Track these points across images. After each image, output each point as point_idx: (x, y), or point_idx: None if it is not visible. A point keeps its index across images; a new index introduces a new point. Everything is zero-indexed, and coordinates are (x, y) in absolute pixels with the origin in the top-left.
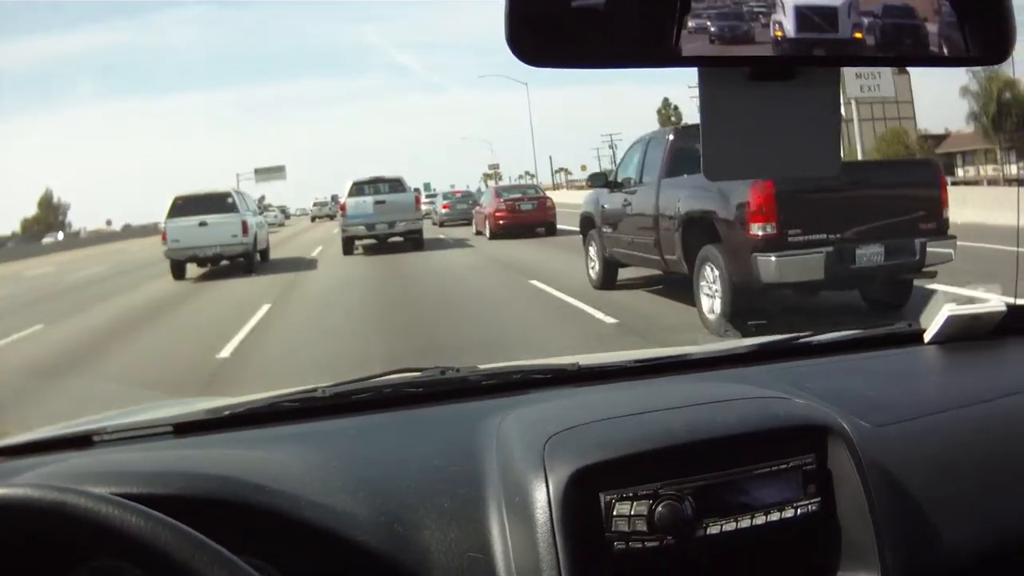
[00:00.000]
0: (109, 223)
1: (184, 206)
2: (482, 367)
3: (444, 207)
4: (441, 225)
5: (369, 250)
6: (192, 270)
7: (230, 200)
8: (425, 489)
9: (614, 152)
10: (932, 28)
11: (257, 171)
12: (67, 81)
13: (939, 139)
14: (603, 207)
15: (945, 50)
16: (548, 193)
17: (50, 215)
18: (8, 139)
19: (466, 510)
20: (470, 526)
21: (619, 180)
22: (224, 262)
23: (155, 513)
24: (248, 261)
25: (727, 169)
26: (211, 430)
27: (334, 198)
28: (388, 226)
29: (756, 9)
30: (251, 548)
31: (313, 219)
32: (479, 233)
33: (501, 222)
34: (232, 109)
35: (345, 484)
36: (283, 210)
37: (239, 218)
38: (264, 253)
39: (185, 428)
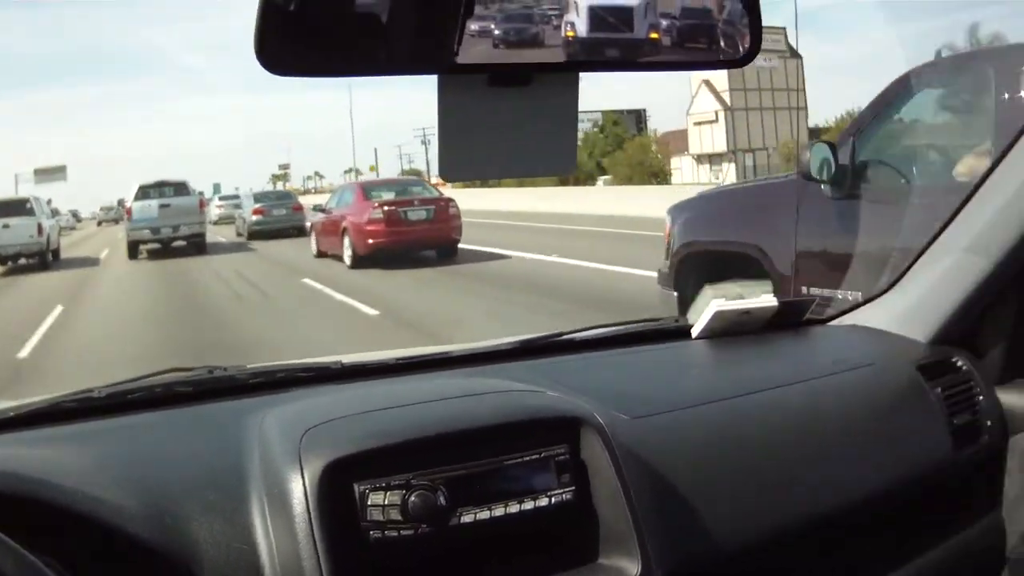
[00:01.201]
0: None
1: None
2: (249, 366)
3: (256, 212)
4: (250, 237)
5: (154, 254)
6: None
7: (29, 205)
8: (191, 483)
9: (427, 148)
10: (675, 32)
11: (37, 171)
12: None
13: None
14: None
15: (695, 55)
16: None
17: None
18: None
19: (230, 503)
20: (235, 519)
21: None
22: (22, 260)
23: None
24: (42, 260)
25: (463, 170)
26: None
27: (120, 202)
28: (172, 230)
29: (485, 16)
30: (36, 544)
31: (99, 223)
32: (323, 254)
33: (375, 240)
34: (12, 112)
35: (117, 480)
36: (75, 214)
37: (36, 220)
38: (55, 253)
39: None
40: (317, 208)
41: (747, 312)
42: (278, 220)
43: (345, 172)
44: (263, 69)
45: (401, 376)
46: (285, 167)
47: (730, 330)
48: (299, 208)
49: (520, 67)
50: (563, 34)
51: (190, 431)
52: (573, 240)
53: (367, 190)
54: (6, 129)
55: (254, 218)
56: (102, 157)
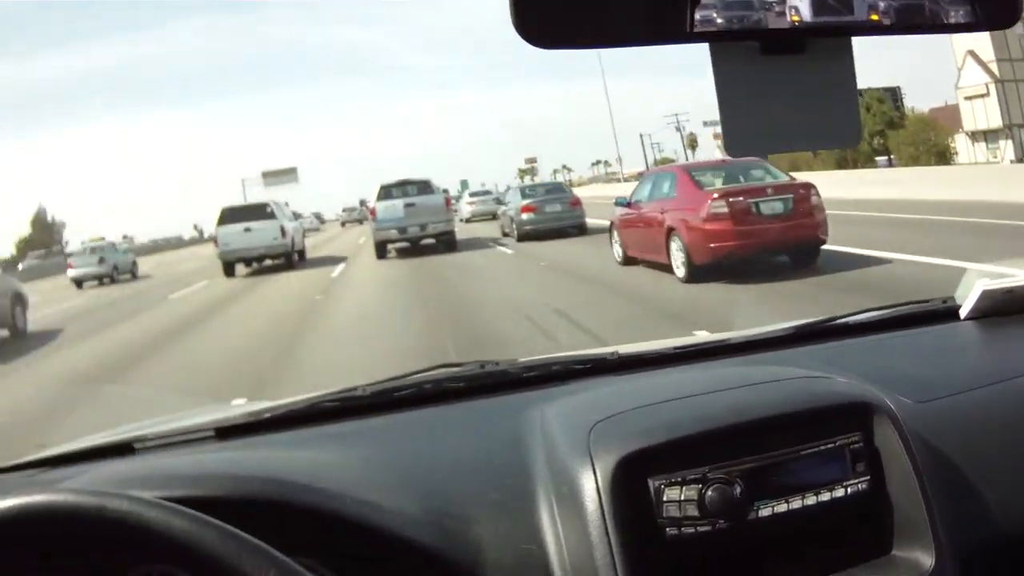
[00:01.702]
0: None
1: (230, 215)
2: (522, 360)
3: (527, 209)
4: (522, 239)
5: (402, 251)
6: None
7: (269, 209)
8: (472, 483)
9: (681, 133)
10: None
11: (265, 174)
12: (66, 97)
13: None
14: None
15: (956, 16)
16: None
17: (44, 234)
18: (4, 158)
19: (516, 502)
20: (521, 518)
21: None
22: (267, 261)
23: (201, 515)
24: (288, 260)
25: (749, 145)
26: (252, 433)
27: (362, 203)
28: (420, 228)
29: None
30: (300, 548)
31: (343, 224)
32: (632, 261)
33: (720, 244)
34: (239, 117)
35: (391, 481)
36: (318, 216)
37: (278, 223)
38: (301, 254)
39: (226, 432)
40: (620, 202)
41: (1010, 291)
42: (554, 217)
43: (592, 164)
44: (501, 62)
45: (677, 366)
46: (532, 161)
47: (999, 310)
48: (577, 203)
49: (793, 33)
50: None
51: (464, 428)
52: (943, 236)
53: (694, 176)
54: (236, 132)
55: (525, 216)
56: (336, 158)
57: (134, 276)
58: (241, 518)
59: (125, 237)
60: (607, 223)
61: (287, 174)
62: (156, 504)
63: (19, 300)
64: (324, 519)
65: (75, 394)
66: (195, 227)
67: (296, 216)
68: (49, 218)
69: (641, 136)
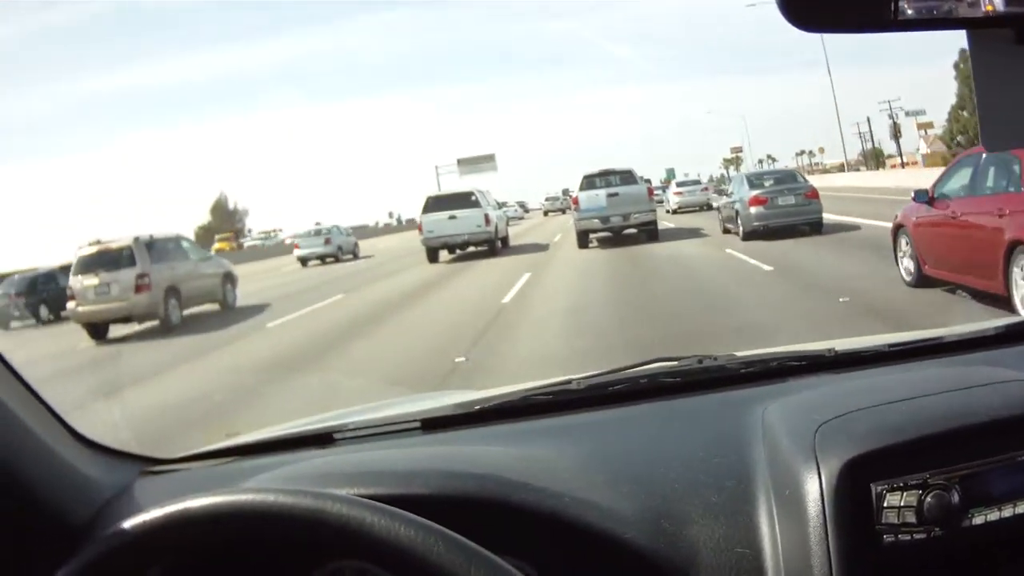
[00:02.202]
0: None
1: (435, 203)
2: (739, 355)
3: (756, 202)
4: (747, 237)
5: (603, 241)
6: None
7: (474, 197)
8: (691, 482)
9: (895, 123)
10: None
11: (461, 161)
12: (256, 88)
13: None
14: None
15: None
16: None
17: (225, 222)
18: (182, 146)
19: (734, 504)
20: (738, 520)
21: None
22: (471, 248)
23: (428, 523)
24: (491, 247)
25: (1007, 139)
26: (460, 425)
27: (565, 192)
28: (622, 218)
29: None
30: (510, 548)
31: (546, 213)
32: (929, 280)
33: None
34: (436, 109)
35: (608, 479)
36: (522, 205)
37: (482, 212)
38: (504, 241)
39: (433, 424)
40: (920, 197)
41: None
42: (787, 212)
43: (797, 154)
44: (790, 22)
45: (892, 364)
46: (737, 150)
47: None
48: (814, 195)
49: None
50: None
51: (681, 425)
52: None
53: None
54: (429, 121)
55: (754, 210)
56: (537, 147)
57: (355, 256)
58: (452, 517)
59: (317, 224)
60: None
61: (485, 161)
62: (379, 509)
63: (229, 279)
64: (542, 519)
65: (270, 377)
66: (390, 214)
67: (500, 204)
68: (231, 205)
69: (859, 124)
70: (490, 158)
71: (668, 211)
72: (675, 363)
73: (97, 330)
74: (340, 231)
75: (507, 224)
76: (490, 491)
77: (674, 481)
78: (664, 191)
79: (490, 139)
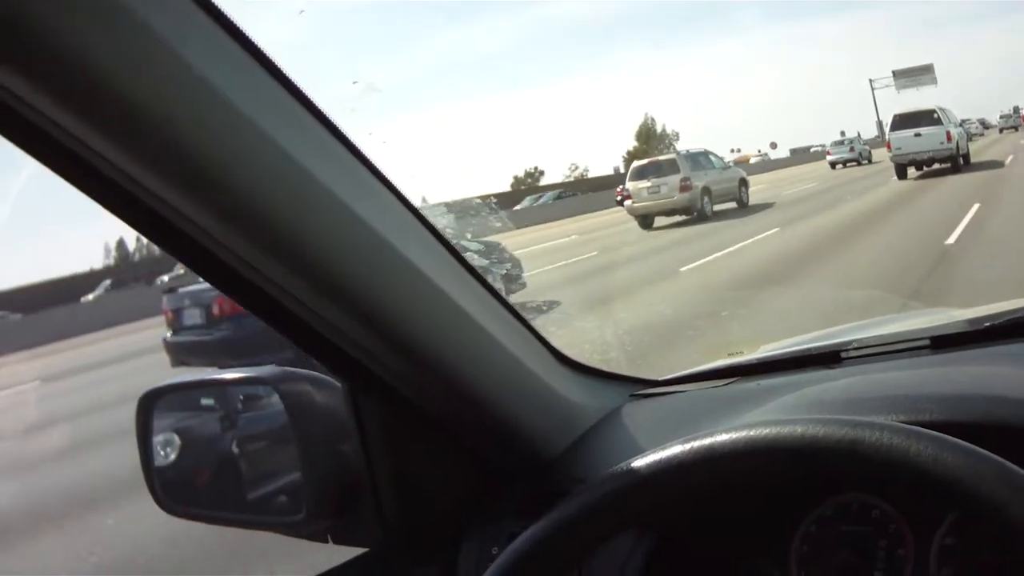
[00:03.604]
0: (774, 146)
1: (901, 121)
2: None
3: None
4: None
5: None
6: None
7: (936, 115)
8: None
9: None
10: None
11: (896, 73)
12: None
13: None
14: None
15: None
16: None
17: (652, 147)
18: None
19: None
20: None
21: None
22: (936, 164)
23: (976, 449)
24: (954, 164)
25: None
26: (970, 344)
27: (1016, 110)
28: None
29: None
30: None
31: (1001, 131)
32: None
33: None
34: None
35: None
36: (983, 122)
37: (944, 129)
38: (966, 158)
39: (943, 342)
40: None
41: None
42: None
43: None
44: None
45: None
46: None
47: None
48: None
49: None
50: None
51: None
52: None
53: None
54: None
55: None
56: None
57: (870, 162)
58: (986, 444)
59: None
60: None
61: (922, 73)
62: (926, 436)
63: (743, 183)
64: None
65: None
66: (842, 133)
67: (962, 122)
68: (659, 128)
69: None
70: (928, 69)
71: None
72: None
73: (646, 221)
74: (860, 139)
75: (968, 141)
76: (1003, 415)
77: None
78: None
79: (935, 51)
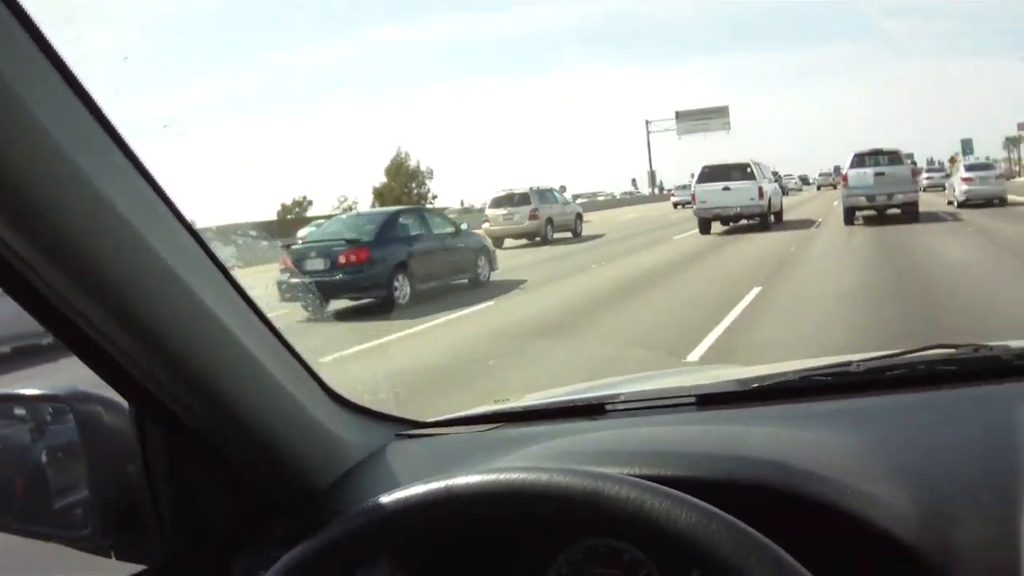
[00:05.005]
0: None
1: (710, 174)
2: (1013, 345)
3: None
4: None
5: (868, 220)
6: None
7: (748, 169)
8: (964, 480)
9: None
10: None
11: (680, 115)
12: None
13: None
14: None
15: None
16: None
17: (400, 184)
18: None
19: (1004, 508)
20: (1006, 526)
21: None
22: (743, 221)
23: (709, 507)
24: (763, 221)
25: None
26: (735, 403)
27: (836, 169)
28: (887, 197)
29: None
30: (779, 539)
31: (819, 187)
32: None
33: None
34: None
35: (887, 471)
36: (804, 179)
37: (756, 184)
38: (778, 215)
39: (708, 400)
40: None
41: None
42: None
43: None
44: None
45: None
46: None
47: None
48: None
49: None
50: None
51: (955, 417)
52: None
53: None
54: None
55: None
56: (809, 124)
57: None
58: (728, 503)
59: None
60: None
61: (712, 116)
62: (661, 492)
63: (579, 217)
64: (823, 510)
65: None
66: (633, 182)
67: (777, 177)
68: (412, 163)
69: None
70: (721, 112)
71: (950, 202)
72: (951, 350)
73: (497, 243)
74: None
75: (781, 198)
76: (774, 478)
77: (946, 476)
78: (942, 174)
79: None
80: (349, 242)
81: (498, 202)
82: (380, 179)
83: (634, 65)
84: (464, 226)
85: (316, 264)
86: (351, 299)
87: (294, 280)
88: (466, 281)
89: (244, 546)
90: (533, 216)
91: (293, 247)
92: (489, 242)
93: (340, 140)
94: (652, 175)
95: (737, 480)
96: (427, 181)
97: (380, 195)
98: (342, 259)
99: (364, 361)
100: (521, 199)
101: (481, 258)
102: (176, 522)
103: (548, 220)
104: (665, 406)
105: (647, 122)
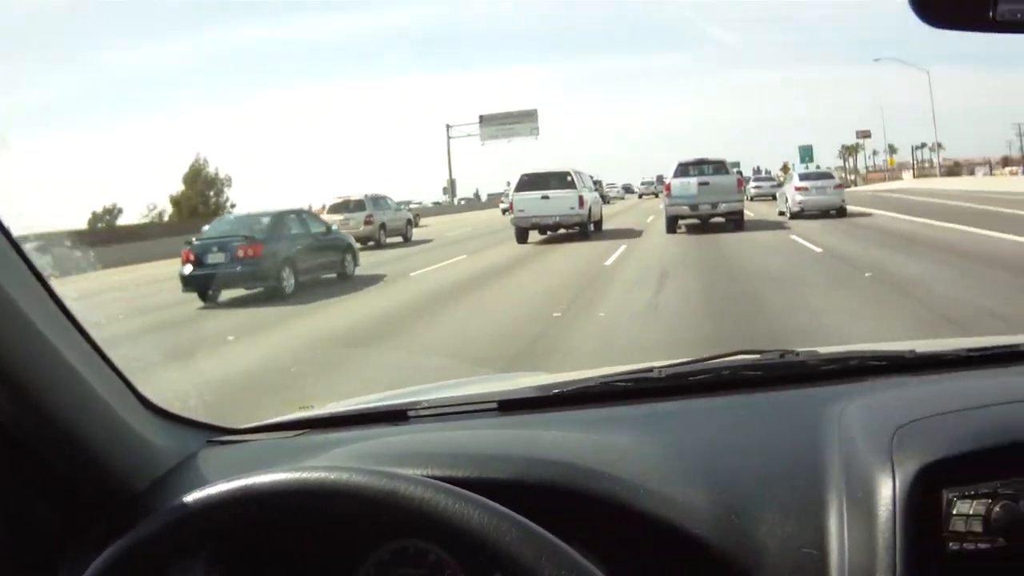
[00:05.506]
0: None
1: (529, 182)
2: (820, 351)
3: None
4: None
5: (691, 228)
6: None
7: (569, 178)
8: (766, 479)
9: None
10: None
11: (483, 119)
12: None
13: None
14: None
15: None
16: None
17: (196, 192)
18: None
19: (806, 504)
20: (808, 520)
21: None
22: (561, 230)
23: (501, 509)
24: (583, 230)
25: None
26: (537, 409)
27: (659, 178)
28: (711, 206)
29: None
30: (576, 536)
31: (640, 196)
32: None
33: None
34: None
35: (684, 472)
36: (627, 188)
37: (577, 193)
38: (598, 224)
39: (509, 406)
40: None
41: None
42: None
43: (914, 148)
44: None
45: (972, 370)
46: (865, 134)
47: None
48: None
49: None
50: None
51: (759, 420)
52: None
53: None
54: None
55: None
56: (635, 132)
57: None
58: (524, 503)
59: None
60: None
61: (521, 120)
62: (454, 493)
63: (410, 222)
64: (614, 510)
65: (341, 355)
66: (444, 191)
67: (598, 185)
68: (211, 170)
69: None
70: (529, 116)
71: (782, 212)
72: (757, 356)
73: None
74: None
75: (601, 207)
76: (565, 478)
77: (748, 477)
78: (772, 184)
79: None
80: (246, 238)
81: (336, 208)
82: (179, 187)
83: (444, 71)
84: (335, 227)
85: (217, 257)
86: (245, 288)
87: (196, 272)
88: (335, 275)
89: (68, 551)
90: (368, 221)
91: (195, 242)
92: (355, 241)
93: (145, 148)
94: (452, 184)
95: (528, 481)
96: (225, 189)
97: (177, 203)
98: (240, 253)
99: (177, 366)
100: (356, 205)
101: (348, 255)
102: (2, 526)
103: (382, 225)
104: (467, 412)
105: (448, 127)
